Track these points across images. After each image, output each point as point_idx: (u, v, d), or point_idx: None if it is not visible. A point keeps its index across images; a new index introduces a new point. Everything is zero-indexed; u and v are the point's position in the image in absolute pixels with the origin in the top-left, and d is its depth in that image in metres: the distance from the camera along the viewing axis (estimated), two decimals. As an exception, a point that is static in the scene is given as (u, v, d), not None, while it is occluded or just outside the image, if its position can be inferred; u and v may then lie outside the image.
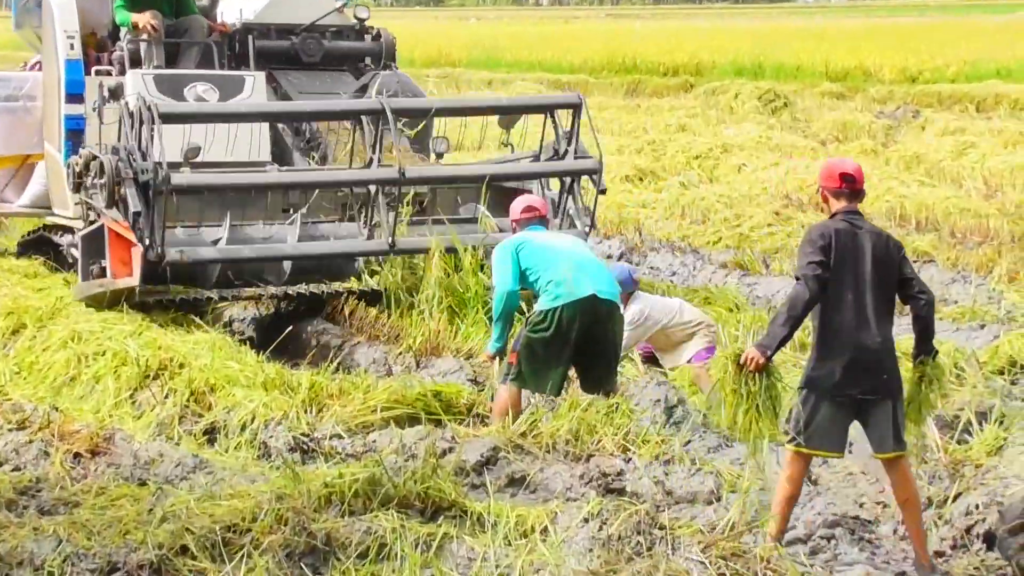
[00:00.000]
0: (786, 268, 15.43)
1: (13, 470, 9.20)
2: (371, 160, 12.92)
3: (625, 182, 21.69)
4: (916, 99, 35.09)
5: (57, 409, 10.33)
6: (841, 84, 39.85)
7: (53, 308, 12.74)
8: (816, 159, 23.01)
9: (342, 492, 8.10)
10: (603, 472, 8.90)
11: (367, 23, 15.45)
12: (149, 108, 11.96)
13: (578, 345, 9.91)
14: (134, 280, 12.20)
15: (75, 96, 13.94)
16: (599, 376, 10.13)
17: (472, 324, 12.36)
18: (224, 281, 12.79)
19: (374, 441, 9.69)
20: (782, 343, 8.00)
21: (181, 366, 10.94)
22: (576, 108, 13.52)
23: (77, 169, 12.75)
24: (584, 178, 13.61)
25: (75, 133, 13.85)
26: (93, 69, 14.22)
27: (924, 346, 8.17)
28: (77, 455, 9.39)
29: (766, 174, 22.05)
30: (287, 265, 13.00)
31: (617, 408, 9.81)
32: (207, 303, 12.74)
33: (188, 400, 10.49)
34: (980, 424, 9.35)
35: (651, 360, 11.75)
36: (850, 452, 9.33)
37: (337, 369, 11.55)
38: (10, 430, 9.87)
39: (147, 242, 11.96)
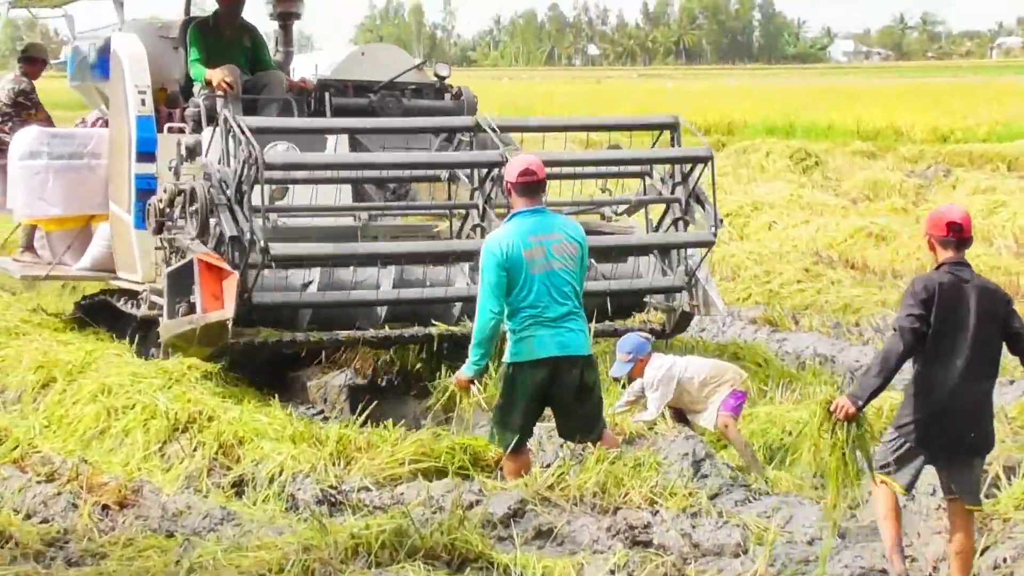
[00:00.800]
0: (815, 324, 15.44)
1: (41, 522, 9.24)
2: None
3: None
4: (947, 158, 35.07)
5: (86, 462, 10.35)
6: (872, 143, 39.86)
7: (83, 362, 12.79)
8: (846, 217, 23.04)
9: (369, 544, 8.12)
10: (630, 525, 8.88)
11: (447, 81, 15.01)
12: (256, 159, 11.41)
13: (547, 397, 9.83)
14: (227, 312, 11.52)
15: (146, 154, 13.50)
16: (577, 420, 9.98)
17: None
18: (315, 327, 12.45)
19: (402, 494, 9.68)
20: (874, 395, 7.99)
21: (210, 419, 10.96)
22: (674, 128, 13.19)
23: (160, 206, 12.43)
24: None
25: (146, 193, 13.24)
26: (165, 126, 13.85)
27: None
28: (105, 507, 9.41)
29: (796, 231, 22.11)
30: (382, 311, 12.62)
31: (645, 461, 9.81)
32: (298, 347, 12.47)
33: (216, 453, 10.50)
34: (1008, 479, 9.30)
35: (682, 418, 11.73)
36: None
37: (365, 422, 11.56)
38: (39, 482, 9.90)
39: (244, 257, 11.55)
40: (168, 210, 12.36)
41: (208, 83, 13.81)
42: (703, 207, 13.11)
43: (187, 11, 15.30)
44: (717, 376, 11.25)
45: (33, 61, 17.27)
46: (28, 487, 9.79)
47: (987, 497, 9.00)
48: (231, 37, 14.65)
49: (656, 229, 13.36)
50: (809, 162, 33.13)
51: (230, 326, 11.59)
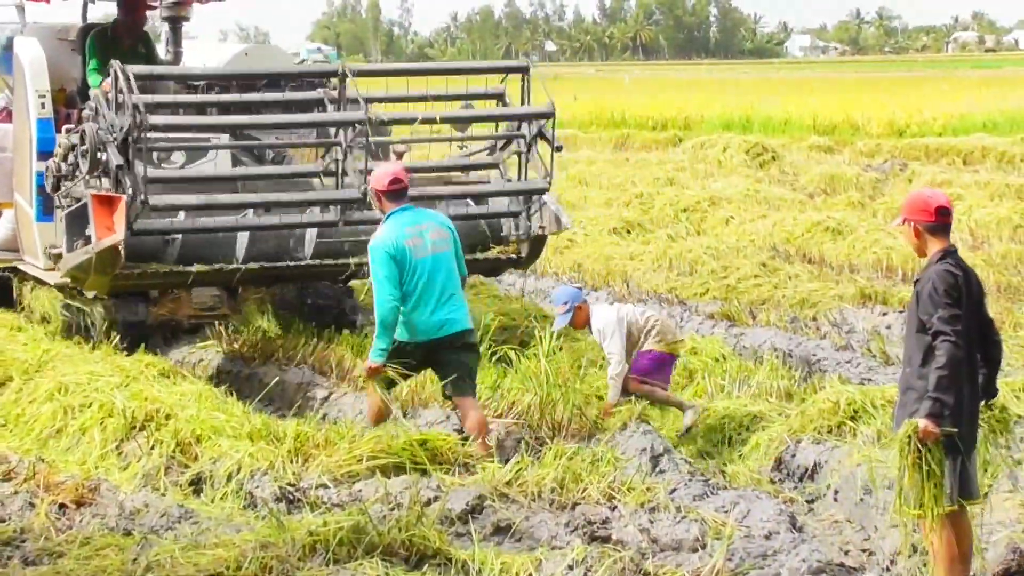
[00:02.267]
0: (772, 319, 15.48)
1: (-2, 521, 9.21)
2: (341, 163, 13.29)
3: (613, 234, 21.78)
4: (903, 152, 35.24)
5: (43, 460, 10.32)
6: (829, 138, 39.99)
7: (39, 360, 12.75)
8: (804, 212, 23.13)
9: (327, 540, 8.11)
10: (588, 520, 8.90)
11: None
12: (125, 74, 12.44)
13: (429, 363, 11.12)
14: (119, 235, 12.36)
15: (45, 153, 14.28)
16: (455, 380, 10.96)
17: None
18: (184, 261, 13.29)
19: (359, 490, 9.68)
20: (953, 410, 7.45)
21: (167, 417, 10.93)
22: (524, 71, 14.16)
23: (56, 162, 13.43)
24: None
25: (43, 189, 14.27)
26: (64, 128, 14.37)
27: (992, 388, 7.83)
28: (62, 506, 9.38)
29: (753, 226, 22.16)
30: (241, 249, 13.48)
31: (603, 457, 9.84)
32: (179, 279, 13.39)
33: (174, 451, 10.46)
34: (966, 472, 9.34)
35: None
36: (835, 500, 9.38)
37: (323, 419, 11.57)
38: (-5, 481, 9.87)
39: (131, 192, 12.39)
40: (63, 165, 13.34)
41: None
42: (538, 155, 14.14)
43: (84, 17, 16.21)
44: (655, 327, 11.41)
45: None
46: (-15, 486, 9.76)
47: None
48: (129, 45, 15.54)
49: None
50: (766, 157, 33.21)
51: (122, 249, 12.46)
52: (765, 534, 8.61)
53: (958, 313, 7.44)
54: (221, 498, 9.75)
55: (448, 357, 10.93)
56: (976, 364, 7.63)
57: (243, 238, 13.51)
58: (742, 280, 17.85)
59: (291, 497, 9.64)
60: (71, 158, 13.19)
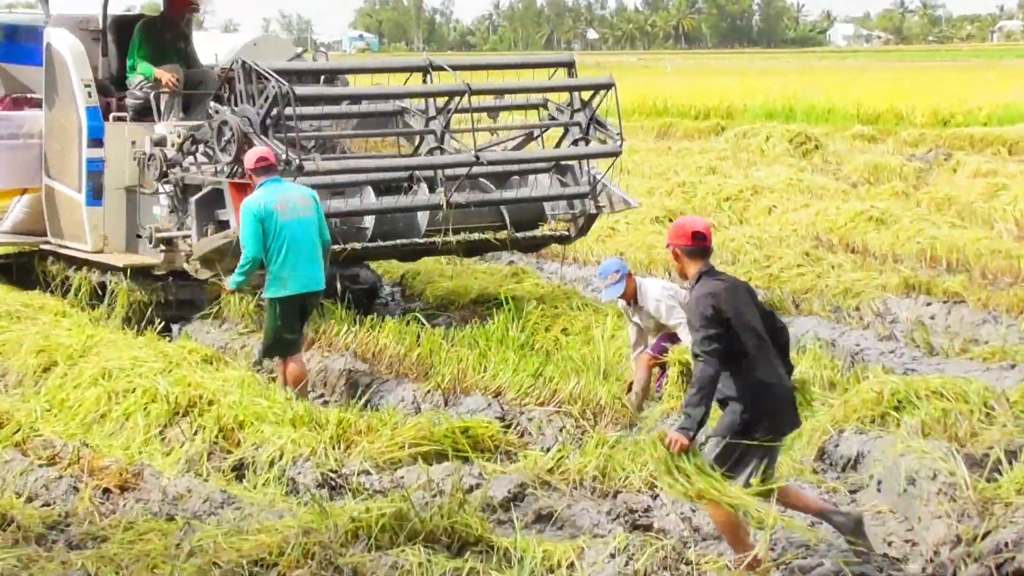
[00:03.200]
0: (816, 308, 15.43)
1: (43, 505, 9.27)
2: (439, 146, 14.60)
3: (655, 223, 21.71)
4: (948, 142, 35.00)
5: (87, 445, 10.39)
6: (873, 127, 39.77)
7: (84, 346, 12.82)
8: (847, 201, 23.01)
9: (369, 527, 8.12)
10: (630, 508, 8.91)
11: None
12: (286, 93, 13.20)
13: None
14: None
15: (96, 141, 15.27)
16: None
17: (501, 361, 12.38)
18: None
19: (402, 477, 9.71)
20: (702, 424, 7.99)
21: (210, 403, 10.98)
22: (570, 65, 15.30)
23: (168, 155, 14.26)
24: None
25: (95, 175, 15.25)
26: (112, 116, 15.42)
27: (789, 364, 8.52)
28: (106, 491, 9.45)
29: (796, 216, 22.06)
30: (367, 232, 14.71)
31: (645, 445, 9.82)
32: None
33: (217, 437, 10.52)
34: (1010, 462, 9.29)
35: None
36: (878, 491, 9.34)
37: (365, 406, 11.58)
38: (40, 466, 9.93)
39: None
40: (179, 155, 14.23)
41: (157, 79, 15.54)
42: (605, 128, 15.25)
43: (105, 8, 16.46)
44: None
45: None
46: (30, 471, 9.82)
47: (988, 481, 9.02)
48: (171, 39, 16.28)
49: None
50: (809, 146, 33.04)
51: None
52: (808, 524, 8.59)
53: (711, 335, 7.94)
54: (263, 484, 9.80)
55: (306, 315, 12.51)
56: (772, 367, 8.18)
57: (369, 220, 14.70)
58: (785, 270, 17.78)
59: (333, 483, 9.67)
60: (187, 147, 14.14)
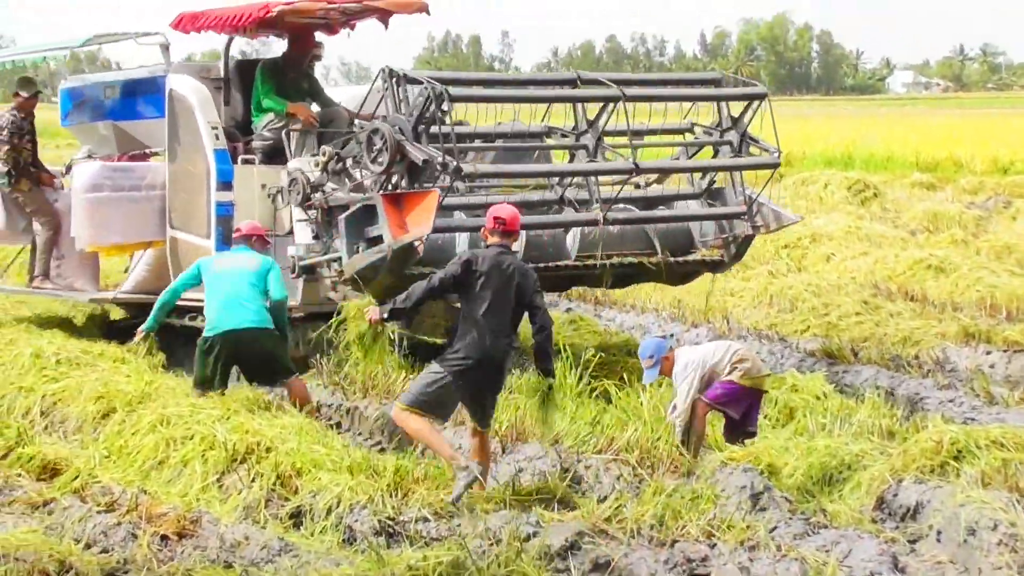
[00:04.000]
0: (874, 356, 15.35)
1: (102, 552, 9.30)
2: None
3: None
4: (1007, 189, 34.80)
5: (145, 492, 10.42)
6: (931, 175, 39.59)
7: (142, 392, 12.88)
8: (905, 249, 22.93)
9: (426, 575, 8.11)
10: (688, 558, 8.85)
11: None
12: (440, 94, 13.23)
13: (236, 361, 13.09)
14: (426, 228, 13.00)
15: (225, 184, 15.31)
16: (264, 376, 13.17)
17: (559, 409, 12.38)
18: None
19: (459, 525, 9.70)
20: (394, 314, 10.76)
21: (268, 450, 11.00)
22: (763, 98, 15.15)
23: (311, 179, 14.19)
24: None
25: (225, 219, 15.18)
26: (240, 158, 15.48)
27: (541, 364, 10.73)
28: (164, 537, 9.47)
29: (855, 263, 22.02)
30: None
31: (702, 494, 9.80)
32: None
33: (274, 484, 10.53)
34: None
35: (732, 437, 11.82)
36: (938, 541, 9.27)
37: (422, 453, 11.59)
38: (99, 512, 9.97)
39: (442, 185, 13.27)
40: (322, 176, 14.17)
41: (290, 114, 15.51)
42: (757, 143, 15.14)
43: (226, 56, 16.50)
44: (726, 360, 11.61)
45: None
46: (88, 517, 9.85)
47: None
48: (293, 79, 16.13)
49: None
50: (868, 193, 32.88)
51: (425, 240, 13.32)
52: (867, 574, 8.54)
53: (450, 272, 10.50)
54: (321, 531, 9.80)
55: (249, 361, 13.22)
56: (493, 330, 10.45)
57: (518, 243, 14.11)
58: (843, 317, 17.73)
59: (390, 531, 9.66)
60: (332, 166, 14.11)
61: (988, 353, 15.45)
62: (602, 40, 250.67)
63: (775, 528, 9.44)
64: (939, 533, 9.29)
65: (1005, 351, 15.41)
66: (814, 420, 12.47)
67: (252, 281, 12.99)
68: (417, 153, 13.18)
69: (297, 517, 10.14)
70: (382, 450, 11.99)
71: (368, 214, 13.42)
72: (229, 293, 12.91)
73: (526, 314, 10.66)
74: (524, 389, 12.51)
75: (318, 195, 14.15)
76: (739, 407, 11.69)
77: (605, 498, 10.19)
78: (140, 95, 16.76)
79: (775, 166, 15.08)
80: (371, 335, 11.43)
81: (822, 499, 10.52)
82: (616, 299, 19.46)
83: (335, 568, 8.45)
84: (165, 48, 16.45)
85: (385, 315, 10.87)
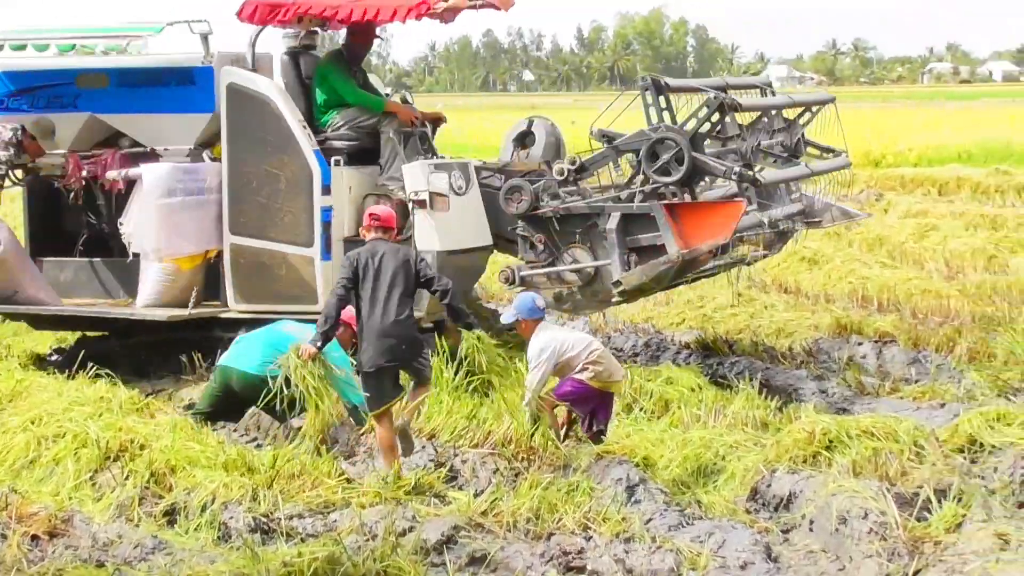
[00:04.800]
0: (748, 348, 15.50)
1: (-30, 553, 9.14)
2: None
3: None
4: (879, 182, 35.27)
5: (16, 491, 10.25)
6: (807, 168, 39.93)
7: (12, 391, 12.70)
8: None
9: (301, 571, 8.10)
10: (564, 551, 8.88)
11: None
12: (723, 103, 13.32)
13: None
14: (724, 237, 13.00)
15: (327, 188, 14.35)
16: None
17: (434, 403, 12.34)
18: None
19: (334, 521, 9.67)
20: (326, 339, 11.14)
21: (142, 447, 10.90)
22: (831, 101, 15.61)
23: (545, 186, 13.76)
24: None
25: (328, 225, 14.37)
26: (333, 160, 14.43)
27: (457, 317, 11.70)
28: (35, 537, 9.33)
29: (729, 256, 22.14)
30: None
31: (578, 487, 9.84)
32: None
33: (148, 482, 10.42)
34: (939, 501, 9.35)
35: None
36: (810, 530, 9.37)
37: (298, 448, 11.52)
38: (-32, 513, 9.80)
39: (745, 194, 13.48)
40: (570, 180, 13.85)
41: (389, 113, 14.94)
42: (814, 145, 15.68)
43: (253, 45, 14.94)
44: (594, 364, 11.56)
45: None
46: (-44, 518, 9.68)
47: (918, 520, 9.06)
48: (354, 73, 15.38)
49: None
50: (743, 186, 33.14)
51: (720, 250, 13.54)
52: (740, 564, 8.62)
53: (345, 278, 10.97)
54: (195, 529, 9.71)
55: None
56: (392, 312, 10.89)
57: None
58: (718, 310, 17.88)
59: (266, 528, 9.60)
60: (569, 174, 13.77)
61: (860, 344, 15.63)
62: (479, 35, 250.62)
63: (650, 520, 9.50)
64: (811, 523, 9.39)
65: (876, 342, 15.60)
66: (689, 412, 12.54)
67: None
68: (716, 165, 13.24)
69: (171, 515, 10.05)
70: (258, 446, 11.90)
71: (631, 223, 13.29)
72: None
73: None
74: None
75: (553, 203, 13.70)
76: (585, 407, 11.69)
77: (481, 492, 10.20)
78: (155, 86, 15.22)
79: (847, 165, 15.83)
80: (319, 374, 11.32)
81: (697, 490, 10.60)
82: (493, 293, 19.47)
83: (210, 565, 8.38)
84: (205, 37, 14.98)
85: (318, 344, 11.07)
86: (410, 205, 13.98)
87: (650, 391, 13.12)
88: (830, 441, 10.43)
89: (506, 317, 12.06)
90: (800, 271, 20.72)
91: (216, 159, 14.95)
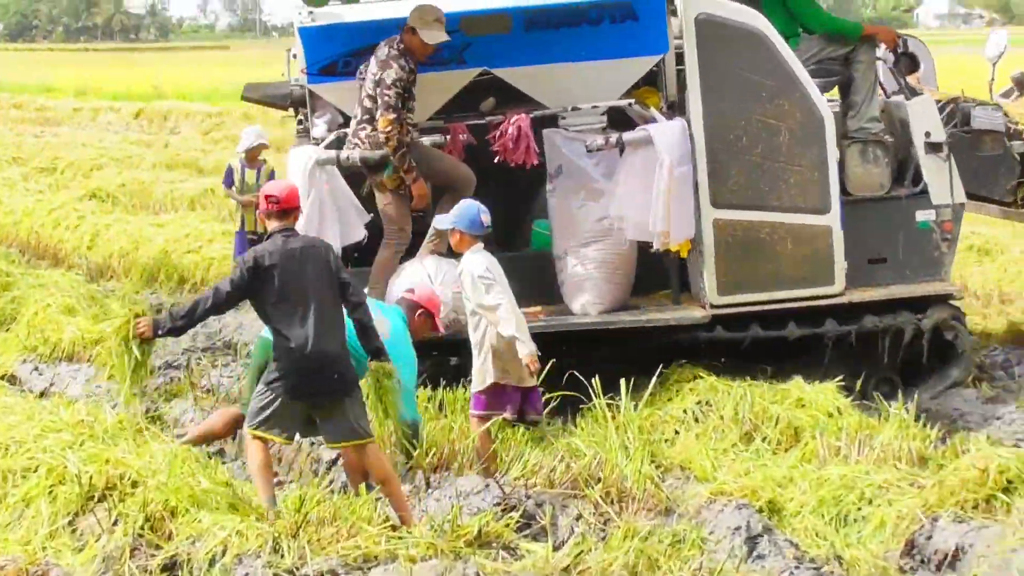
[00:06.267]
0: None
1: (-81, 616, 9.26)
2: None
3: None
4: None
5: (-25, 540, 10.38)
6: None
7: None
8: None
9: (336, 645, 8.13)
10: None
11: None
12: None
13: None
14: None
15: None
16: None
17: (501, 427, 12.40)
18: None
19: (376, 578, 9.73)
20: (172, 332, 11.31)
21: (134, 484, 10.94)
22: None
23: None
24: None
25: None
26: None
27: (370, 345, 11.33)
28: (0, 598, 9.44)
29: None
30: None
31: (685, 537, 9.85)
32: None
33: (142, 527, 10.46)
34: None
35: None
36: None
37: (328, 487, 11.60)
38: (-84, 567, 9.92)
39: None
40: None
41: (866, 37, 15.43)
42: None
43: None
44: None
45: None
46: (-99, 574, 9.80)
47: None
48: None
49: None
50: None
51: None
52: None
53: (234, 279, 10.97)
54: (201, 588, 9.78)
55: None
56: (312, 328, 10.86)
57: None
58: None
59: (290, 588, 9.66)
60: None
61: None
62: None
63: (776, 579, 9.53)
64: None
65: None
66: (825, 443, 12.52)
67: None
68: None
69: (171, 570, 10.10)
70: (279, 483, 11.98)
71: None
72: None
73: None
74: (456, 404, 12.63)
75: None
76: (500, 403, 12.54)
77: (562, 544, 10.23)
78: (578, 26, 14.73)
79: None
80: (136, 352, 11.47)
81: (837, 543, 10.60)
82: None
83: (220, 636, 8.44)
84: None
85: (160, 331, 11.24)
86: (919, 149, 14.78)
87: (775, 416, 13.12)
88: (1008, 481, 10.40)
89: (441, 221, 12.86)
90: (967, 263, 20.65)
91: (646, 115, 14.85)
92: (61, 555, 10.35)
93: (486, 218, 12.43)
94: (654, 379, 13.58)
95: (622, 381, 12.72)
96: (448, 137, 15.18)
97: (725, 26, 14.42)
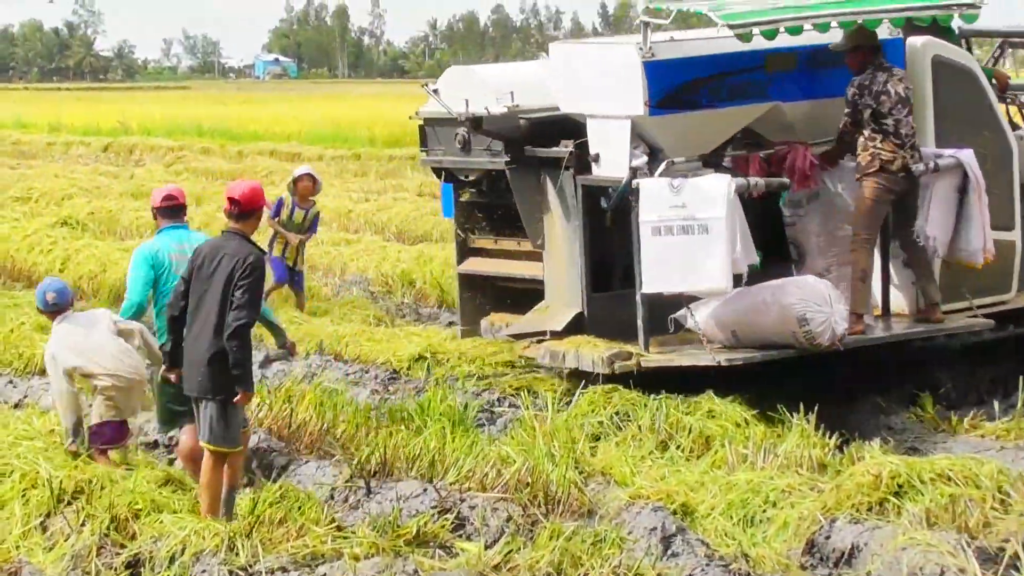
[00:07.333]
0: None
1: (-101, 611, 9.19)
2: None
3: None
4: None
5: (-47, 540, 10.30)
6: None
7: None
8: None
9: (285, 634, 8.08)
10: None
11: None
12: None
13: None
14: None
15: None
16: None
17: (438, 435, 12.35)
18: None
19: (324, 575, 9.67)
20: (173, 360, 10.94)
21: (101, 488, 10.92)
22: None
23: None
24: None
25: None
26: None
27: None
28: (-24, 592, 9.37)
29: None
30: None
31: (606, 537, 9.83)
32: None
33: (108, 528, 10.45)
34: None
35: None
36: None
37: (279, 491, 11.53)
38: None
39: None
40: None
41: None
42: None
43: None
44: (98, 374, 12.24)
45: None
46: None
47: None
48: None
49: None
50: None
51: None
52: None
53: (184, 278, 10.80)
54: (162, 584, 9.73)
55: None
56: (194, 325, 10.64)
57: None
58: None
59: (244, 583, 9.61)
60: None
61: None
62: (487, 12, 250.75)
63: (690, 576, 9.51)
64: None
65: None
66: (734, 451, 12.53)
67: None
68: None
69: (134, 567, 10.08)
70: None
71: None
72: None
73: None
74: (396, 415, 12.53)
75: None
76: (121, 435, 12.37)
77: (494, 543, 10.20)
78: (840, 65, 14.83)
79: None
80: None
81: (744, 542, 10.60)
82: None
83: (179, 627, 8.39)
84: None
85: (165, 361, 11.17)
86: None
87: (688, 426, 13.13)
88: (899, 486, 10.41)
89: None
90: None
91: None
92: (33, 554, 10.33)
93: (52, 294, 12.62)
94: (577, 393, 13.57)
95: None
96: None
97: (953, 67, 15.28)
